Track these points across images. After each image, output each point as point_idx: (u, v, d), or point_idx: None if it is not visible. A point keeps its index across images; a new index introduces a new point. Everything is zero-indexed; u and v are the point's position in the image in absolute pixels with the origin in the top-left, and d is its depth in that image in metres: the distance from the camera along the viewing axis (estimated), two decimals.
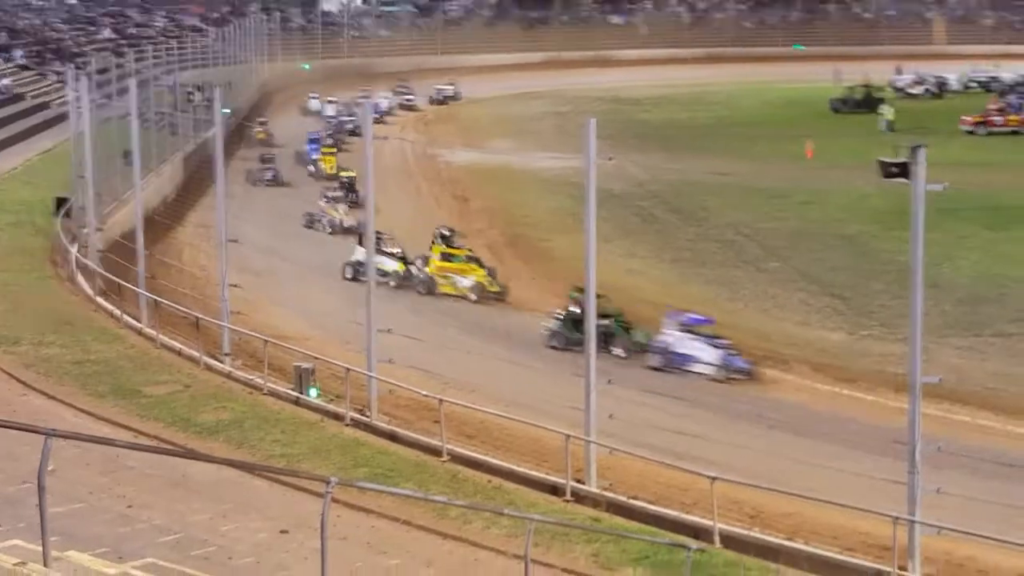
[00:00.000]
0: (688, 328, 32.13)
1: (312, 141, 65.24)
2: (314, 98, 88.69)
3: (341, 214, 49.58)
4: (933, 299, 30.71)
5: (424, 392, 26.10)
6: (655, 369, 31.97)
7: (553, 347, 33.17)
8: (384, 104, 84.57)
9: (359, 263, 39.11)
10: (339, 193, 52.24)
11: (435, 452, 23.77)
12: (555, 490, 22.49)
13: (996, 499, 21.32)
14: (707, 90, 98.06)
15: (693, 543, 18.55)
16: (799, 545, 20.40)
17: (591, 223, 23.09)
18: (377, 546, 18.16)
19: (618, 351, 32.01)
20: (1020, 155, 64.46)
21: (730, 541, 20.21)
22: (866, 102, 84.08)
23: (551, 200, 52.80)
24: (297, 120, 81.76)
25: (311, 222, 50.02)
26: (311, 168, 62.49)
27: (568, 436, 22.59)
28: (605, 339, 29.00)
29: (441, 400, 24.79)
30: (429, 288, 39.60)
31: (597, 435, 23.02)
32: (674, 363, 31.74)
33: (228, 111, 59.34)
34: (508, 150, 70.26)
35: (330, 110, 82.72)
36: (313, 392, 26.86)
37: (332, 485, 12.17)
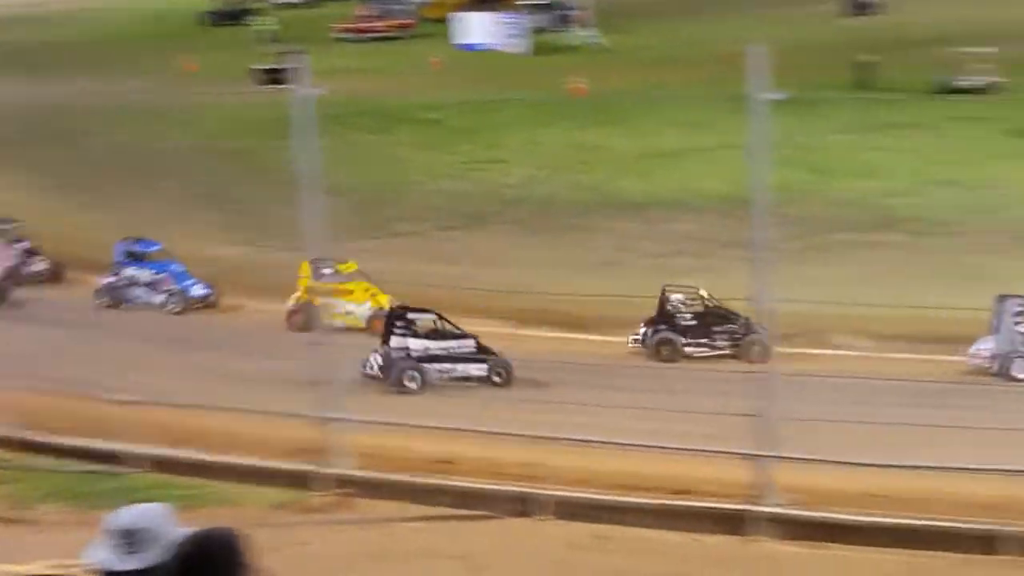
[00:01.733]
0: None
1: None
2: None
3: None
4: (332, 205, 30.84)
5: None
6: None
7: None
8: None
9: None
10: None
11: None
12: None
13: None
14: (78, 8, 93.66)
15: (117, 470, 17.75)
16: (227, 459, 20.02)
17: None
18: None
19: None
20: (394, 60, 66.23)
21: (158, 464, 19.58)
22: (239, 13, 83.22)
23: None
24: None
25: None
26: None
27: None
28: None
29: None
30: None
31: None
32: None
33: None
34: None
35: None
36: None
37: None
